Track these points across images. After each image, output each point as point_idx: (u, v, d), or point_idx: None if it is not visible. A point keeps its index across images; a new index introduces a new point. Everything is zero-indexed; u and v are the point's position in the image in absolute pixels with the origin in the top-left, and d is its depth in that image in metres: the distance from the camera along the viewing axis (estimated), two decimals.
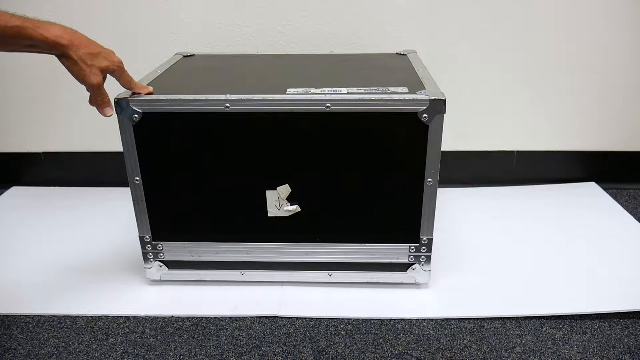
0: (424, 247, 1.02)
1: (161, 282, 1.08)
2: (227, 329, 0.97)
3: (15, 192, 1.50)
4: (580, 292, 1.04)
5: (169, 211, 1.01)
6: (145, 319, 0.99)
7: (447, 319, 0.98)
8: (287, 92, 0.93)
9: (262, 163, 0.96)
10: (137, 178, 0.98)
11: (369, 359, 0.90)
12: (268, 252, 1.04)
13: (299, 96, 0.91)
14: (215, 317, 1.00)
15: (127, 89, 0.93)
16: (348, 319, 0.99)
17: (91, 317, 1.00)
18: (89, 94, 0.88)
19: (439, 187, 0.97)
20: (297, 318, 0.99)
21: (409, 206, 0.98)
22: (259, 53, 1.34)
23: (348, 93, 0.92)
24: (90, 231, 1.29)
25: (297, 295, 1.04)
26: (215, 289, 1.06)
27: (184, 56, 1.25)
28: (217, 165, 0.97)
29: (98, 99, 0.88)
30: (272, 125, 0.93)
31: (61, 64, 0.85)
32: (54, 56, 0.84)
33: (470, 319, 0.98)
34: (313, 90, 0.94)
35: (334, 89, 0.95)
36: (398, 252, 1.02)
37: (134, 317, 1.00)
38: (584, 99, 1.42)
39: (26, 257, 1.18)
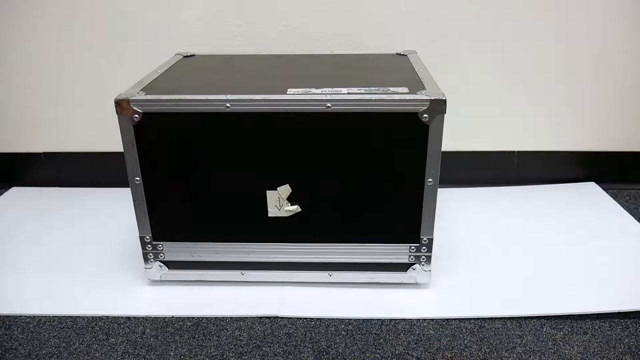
0: (424, 247, 1.02)
1: (161, 282, 1.08)
2: (227, 329, 0.97)
3: (15, 192, 1.50)
4: (580, 292, 1.04)
5: (169, 211, 1.01)
6: (146, 319, 0.99)
7: (447, 319, 0.98)
8: (288, 92, 0.93)
9: (262, 163, 0.96)
10: (137, 178, 0.98)
11: (369, 359, 0.90)
12: (268, 252, 1.04)
13: (299, 96, 0.91)
14: (215, 317, 1.00)
15: None
16: (348, 319, 0.99)
17: (91, 317, 1.00)
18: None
19: (439, 187, 0.97)
20: (297, 318, 0.99)
21: (409, 206, 0.98)
22: (259, 53, 1.34)
23: (348, 93, 0.92)
24: (90, 231, 1.29)
25: (298, 295, 1.04)
26: (215, 289, 1.06)
27: (184, 56, 1.25)
28: (217, 165, 0.97)
29: None
30: (273, 125, 0.93)
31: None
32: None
33: (471, 319, 0.98)
34: (313, 90, 0.94)
35: (334, 89, 0.95)
36: (398, 252, 1.02)
37: (134, 317, 1.00)
38: (584, 99, 1.42)
39: (26, 257, 1.18)
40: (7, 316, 1.00)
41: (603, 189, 1.46)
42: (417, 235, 1.01)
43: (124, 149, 0.96)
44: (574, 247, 1.19)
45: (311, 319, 0.99)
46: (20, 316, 1.00)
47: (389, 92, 0.93)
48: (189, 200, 1.00)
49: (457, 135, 1.46)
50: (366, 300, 1.03)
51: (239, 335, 0.95)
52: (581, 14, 1.33)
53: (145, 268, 1.06)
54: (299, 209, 1.00)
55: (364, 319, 0.99)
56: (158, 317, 1.00)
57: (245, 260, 1.05)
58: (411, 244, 1.02)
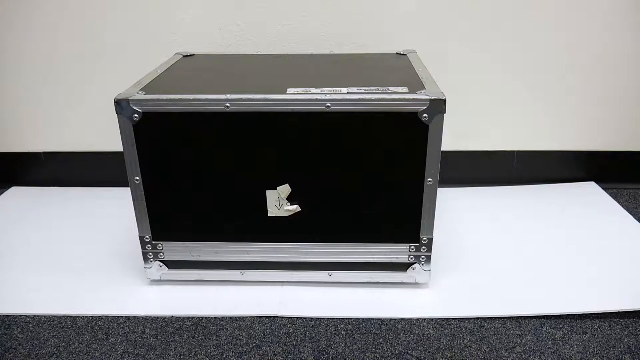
0: (424, 247, 1.02)
1: (161, 282, 1.08)
2: (227, 329, 0.97)
3: (15, 192, 1.50)
4: (580, 292, 1.04)
5: (169, 211, 1.01)
6: (146, 318, 1.00)
7: (447, 319, 0.98)
8: (288, 92, 0.93)
9: (262, 163, 0.96)
10: (137, 178, 0.98)
11: (369, 358, 0.90)
12: (268, 252, 1.04)
13: (299, 96, 0.91)
14: (215, 317, 1.00)
15: None
16: (348, 319, 0.99)
17: (91, 317, 1.00)
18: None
19: (439, 187, 0.97)
20: (297, 318, 0.99)
21: (409, 206, 0.98)
22: (259, 53, 1.34)
23: (348, 93, 0.92)
24: (90, 231, 1.29)
25: (297, 295, 1.04)
26: (215, 289, 1.06)
27: (184, 56, 1.25)
28: (217, 165, 0.97)
29: None
30: (272, 125, 0.93)
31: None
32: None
33: (471, 318, 0.98)
34: (313, 90, 0.94)
35: (334, 89, 0.95)
36: (398, 252, 1.02)
37: (134, 317, 1.00)
38: (584, 99, 1.42)
39: (26, 257, 1.18)
40: (7, 316, 1.00)
41: (603, 189, 1.46)
42: (417, 235, 1.01)
43: (124, 149, 0.96)
44: (574, 247, 1.19)
45: (311, 319, 0.99)
46: (20, 316, 1.00)
47: (389, 92, 0.93)
48: (188, 200, 1.00)
49: (457, 135, 1.46)
50: (366, 300, 1.03)
51: (239, 335, 0.95)
52: (581, 14, 1.33)
53: (145, 268, 1.06)
54: (299, 209, 1.00)
55: (364, 319, 0.99)
56: (158, 317, 1.00)
57: (245, 260, 1.05)
58: (411, 244, 1.02)
